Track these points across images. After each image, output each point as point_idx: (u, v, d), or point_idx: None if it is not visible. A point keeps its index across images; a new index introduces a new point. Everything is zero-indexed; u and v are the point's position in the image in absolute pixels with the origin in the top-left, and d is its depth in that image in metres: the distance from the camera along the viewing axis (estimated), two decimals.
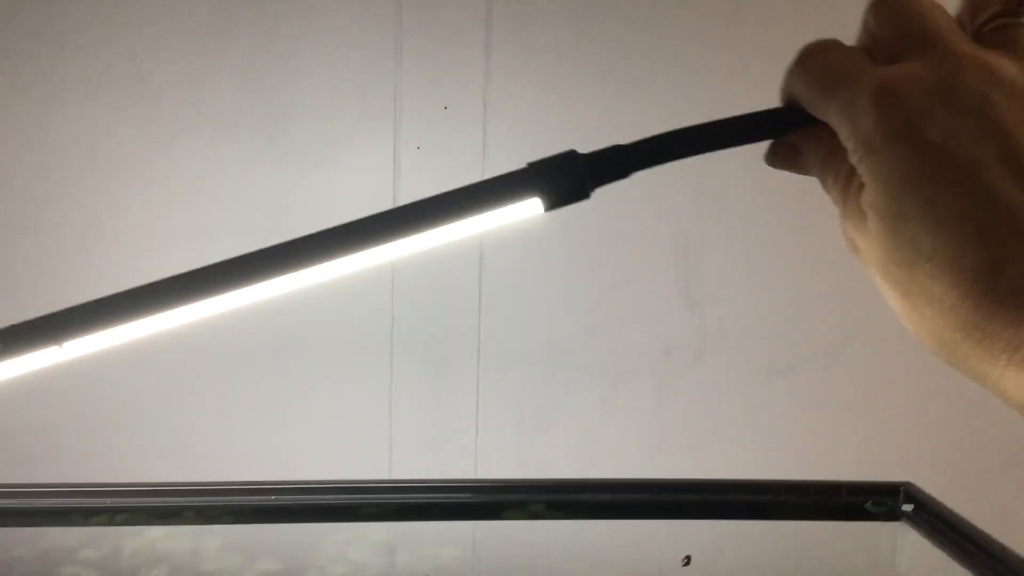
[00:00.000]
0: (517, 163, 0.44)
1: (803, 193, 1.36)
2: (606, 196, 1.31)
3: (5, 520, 1.05)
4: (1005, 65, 0.35)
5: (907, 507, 0.99)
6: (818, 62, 0.38)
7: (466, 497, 1.10)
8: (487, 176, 0.42)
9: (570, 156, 0.44)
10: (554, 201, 0.45)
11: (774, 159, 0.43)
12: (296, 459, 1.25)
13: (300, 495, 1.05)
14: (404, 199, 1.21)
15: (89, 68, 1.13)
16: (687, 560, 1.04)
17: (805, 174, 0.42)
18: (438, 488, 1.10)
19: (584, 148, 0.44)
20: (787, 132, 0.42)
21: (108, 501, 1.04)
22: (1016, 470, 1.37)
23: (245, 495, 1.05)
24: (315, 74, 1.19)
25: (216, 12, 1.16)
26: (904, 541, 1.00)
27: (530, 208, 0.47)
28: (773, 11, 1.23)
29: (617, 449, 1.32)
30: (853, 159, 0.36)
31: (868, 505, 1.01)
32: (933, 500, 0.97)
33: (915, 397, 1.31)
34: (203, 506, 1.04)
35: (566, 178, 0.45)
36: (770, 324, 1.32)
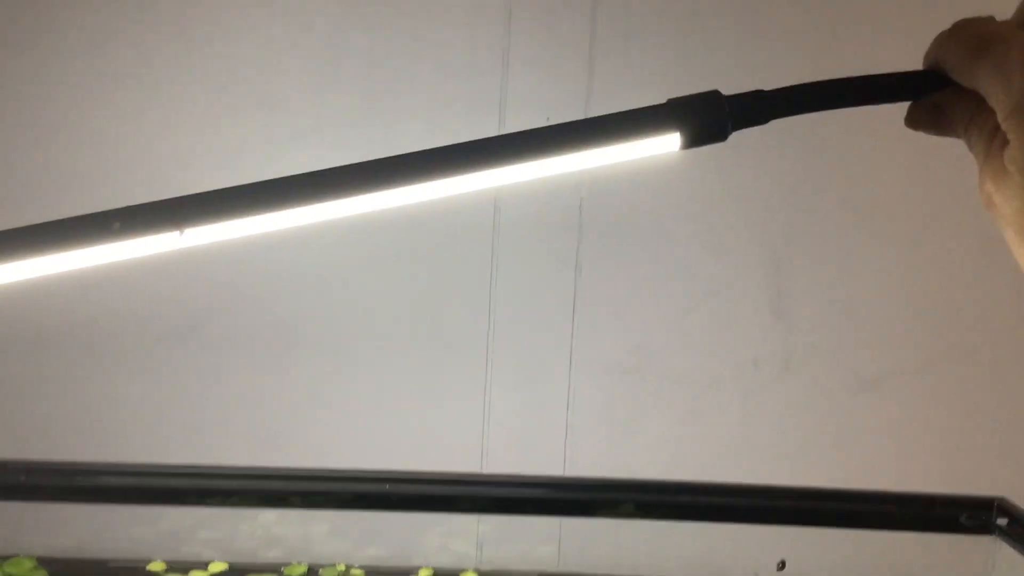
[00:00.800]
0: None
1: (895, 210, 1.37)
2: (701, 206, 1.35)
3: (123, 498, 1.10)
4: None
5: (1001, 521, 1.01)
6: (972, 29, 0.41)
7: (557, 493, 1.13)
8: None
9: (714, 95, 0.44)
10: (693, 138, 0.45)
11: (915, 121, 0.46)
12: (390, 451, 1.29)
13: (401, 484, 1.10)
14: (507, 208, 1.26)
15: (217, 75, 1.20)
16: (782, 564, 1.07)
17: (946, 135, 0.45)
18: (531, 483, 1.14)
19: None
20: (925, 94, 0.44)
21: (222, 483, 1.09)
22: None
23: (349, 482, 1.10)
24: (425, 83, 1.24)
25: (333, 24, 1.21)
26: (998, 555, 1.02)
27: (667, 145, 0.47)
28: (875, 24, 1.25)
29: (702, 457, 1.35)
30: (1000, 117, 0.39)
31: (962, 518, 1.03)
32: None
33: (1006, 412, 1.33)
34: (309, 492, 1.09)
35: (708, 116, 0.44)
36: (860, 338, 1.34)
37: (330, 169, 0.49)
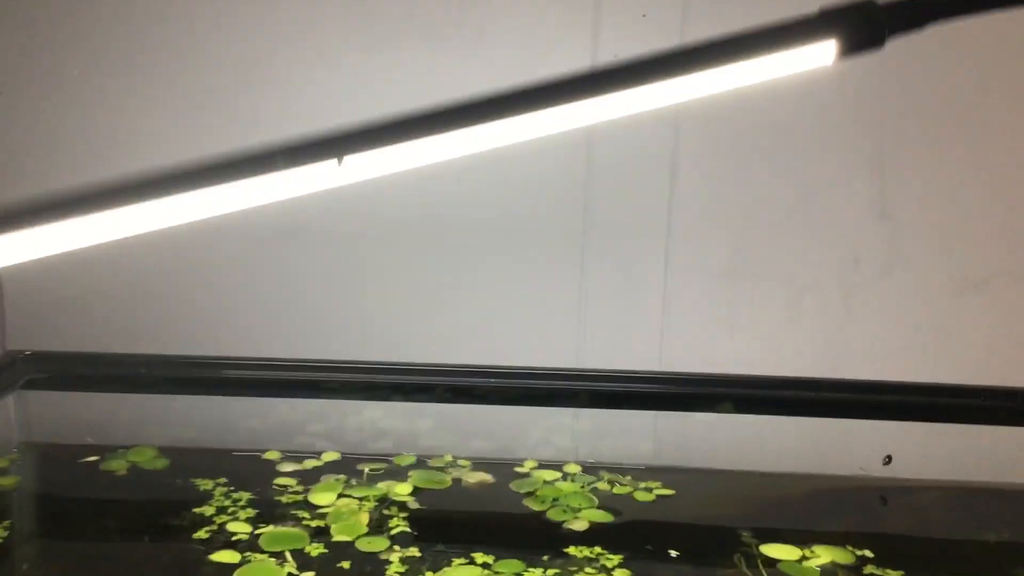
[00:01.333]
0: None
1: (1002, 111, 1.32)
2: (804, 105, 1.30)
3: (234, 391, 1.14)
4: None
5: None
6: None
7: (655, 388, 1.14)
8: None
9: (868, 2, 0.45)
10: (851, 46, 0.45)
11: None
12: (490, 347, 1.31)
13: (503, 378, 1.11)
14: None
15: None
16: (888, 459, 1.07)
17: None
18: (629, 379, 1.15)
19: None
20: None
21: (332, 376, 1.12)
22: None
23: (454, 376, 1.12)
24: None
25: None
26: None
27: (821, 55, 0.47)
28: None
29: (801, 358, 1.34)
30: None
31: None
32: None
33: None
34: (414, 385, 1.11)
35: (865, 23, 0.45)
36: (964, 239, 1.31)
37: (487, 95, 0.53)
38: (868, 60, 1.25)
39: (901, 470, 1.07)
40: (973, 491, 1.08)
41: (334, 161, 0.58)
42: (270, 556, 0.88)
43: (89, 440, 1.14)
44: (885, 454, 1.06)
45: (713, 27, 1.07)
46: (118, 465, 1.09)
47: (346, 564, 0.87)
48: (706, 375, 1.15)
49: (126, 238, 0.63)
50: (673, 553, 0.91)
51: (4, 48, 1.16)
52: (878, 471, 1.06)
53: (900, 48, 1.22)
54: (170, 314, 1.22)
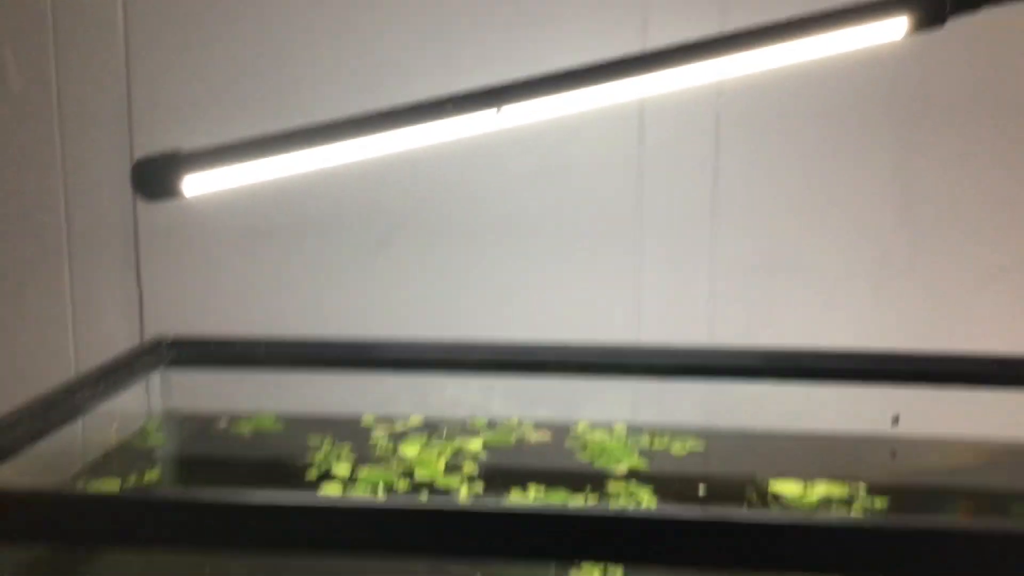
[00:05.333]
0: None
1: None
2: (833, 118, 1.48)
3: (339, 366, 1.35)
4: None
5: None
6: None
7: (702, 360, 1.29)
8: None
9: None
10: (921, 21, 0.57)
11: None
12: (551, 324, 1.51)
13: (564, 353, 1.29)
14: (651, 110, 1.43)
15: None
16: (896, 420, 1.22)
17: None
18: (679, 353, 1.30)
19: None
20: None
21: (418, 353, 1.32)
22: None
23: (523, 352, 1.30)
24: None
25: None
26: None
27: (893, 31, 0.61)
28: None
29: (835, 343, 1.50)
30: None
31: None
32: None
33: None
34: (488, 360, 1.30)
35: (931, 2, 0.56)
36: (980, 235, 1.45)
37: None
38: (897, 62, 1.40)
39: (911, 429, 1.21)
40: (989, 449, 1.21)
41: (494, 110, 0.77)
42: (368, 489, 1.09)
43: (220, 410, 1.38)
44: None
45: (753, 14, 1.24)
46: (243, 428, 1.31)
47: (425, 496, 1.08)
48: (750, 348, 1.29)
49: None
50: (701, 489, 1.09)
51: None
52: (890, 431, 1.20)
53: (922, 50, 1.38)
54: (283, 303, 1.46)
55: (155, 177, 0.90)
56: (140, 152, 1.34)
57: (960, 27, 1.40)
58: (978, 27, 1.35)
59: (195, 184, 0.89)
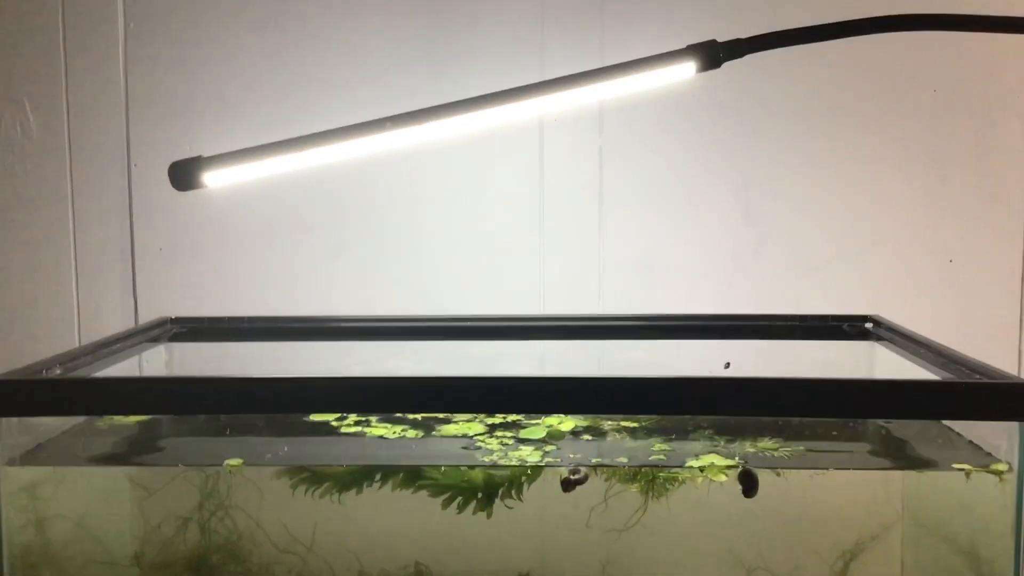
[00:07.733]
0: None
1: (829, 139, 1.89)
2: (687, 136, 1.94)
3: (307, 338, 1.70)
4: None
5: (868, 326, 1.53)
6: None
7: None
8: None
9: (712, 41, 0.98)
10: (703, 66, 1.01)
11: None
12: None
13: (483, 324, 1.66)
14: (551, 133, 1.84)
15: None
16: (727, 365, 1.60)
17: None
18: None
19: None
20: None
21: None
22: None
23: (447, 323, 1.67)
24: None
25: None
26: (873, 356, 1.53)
27: (685, 71, 1.04)
28: None
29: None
30: None
31: (844, 326, 1.56)
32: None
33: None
34: (418, 328, 1.67)
35: (710, 52, 0.99)
36: (806, 231, 1.88)
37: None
38: (732, 95, 1.83)
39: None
40: None
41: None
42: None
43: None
44: (725, 361, 1.60)
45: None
46: None
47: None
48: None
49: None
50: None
51: None
52: (720, 373, 1.60)
53: (758, 83, 1.81)
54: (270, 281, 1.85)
55: (180, 174, 1.27)
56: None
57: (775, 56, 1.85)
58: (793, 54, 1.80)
59: (214, 178, 1.25)
